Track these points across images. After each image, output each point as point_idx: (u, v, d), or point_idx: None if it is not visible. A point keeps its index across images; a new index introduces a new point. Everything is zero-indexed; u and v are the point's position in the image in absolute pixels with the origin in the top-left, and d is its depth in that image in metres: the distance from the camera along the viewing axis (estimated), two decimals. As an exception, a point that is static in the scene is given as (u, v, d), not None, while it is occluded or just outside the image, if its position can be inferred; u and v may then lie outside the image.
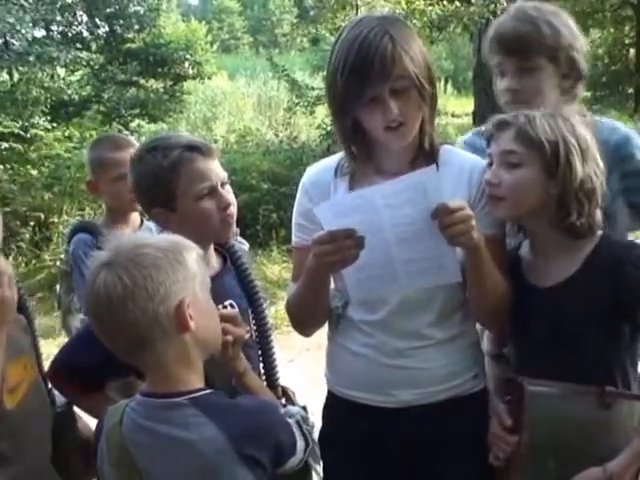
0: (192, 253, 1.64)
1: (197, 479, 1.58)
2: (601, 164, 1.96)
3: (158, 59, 16.53)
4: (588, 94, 23.81)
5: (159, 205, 2.02)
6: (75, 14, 15.79)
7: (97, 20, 15.99)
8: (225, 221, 2.03)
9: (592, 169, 1.92)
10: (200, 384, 1.62)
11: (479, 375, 2.10)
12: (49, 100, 12.01)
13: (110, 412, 1.66)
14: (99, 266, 1.56)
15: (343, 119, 1.96)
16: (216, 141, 11.68)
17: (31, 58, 12.72)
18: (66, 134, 9.79)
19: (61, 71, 14.68)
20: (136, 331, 1.54)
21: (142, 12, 16.06)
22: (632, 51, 24.67)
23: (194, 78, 17.53)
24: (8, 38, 13.22)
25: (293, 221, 2.14)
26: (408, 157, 2.01)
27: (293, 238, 2.14)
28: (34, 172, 8.95)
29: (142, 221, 3.01)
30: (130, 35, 16.24)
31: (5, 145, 9.58)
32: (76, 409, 2.17)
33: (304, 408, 1.97)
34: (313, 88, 12.31)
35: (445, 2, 12.60)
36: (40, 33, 14.94)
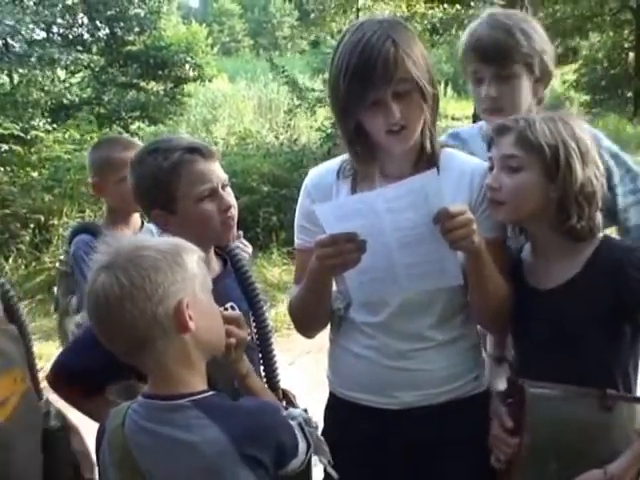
0: (192, 255, 1.64)
1: None
2: (601, 167, 1.97)
3: (158, 61, 16.54)
4: (587, 98, 23.89)
5: (159, 207, 2.02)
6: (76, 16, 15.79)
7: (98, 22, 16.00)
8: (226, 223, 2.03)
9: (592, 172, 1.92)
10: (203, 386, 1.62)
11: (480, 377, 2.11)
12: (49, 102, 12.02)
13: (112, 414, 1.66)
14: (99, 268, 1.57)
15: (346, 122, 1.97)
16: (216, 143, 11.69)
17: (32, 60, 12.73)
18: (66, 136, 9.78)
19: (61, 73, 14.69)
20: (135, 331, 1.54)
21: (143, 15, 16.06)
22: (631, 55, 24.74)
23: (194, 80, 17.54)
24: (8, 40, 13.23)
25: (295, 223, 2.14)
26: (410, 160, 2.01)
27: (295, 240, 2.15)
28: (34, 174, 8.95)
29: (143, 223, 3.01)
30: (131, 37, 16.25)
31: (5, 147, 9.57)
32: (73, 420, 2.15)
33: (305, 411, 1.97)
34: (314, 90, 12.32)
35: (446, 5, 12.64)
36: (40, 35, 14.95)
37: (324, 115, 11.45)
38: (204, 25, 24.22)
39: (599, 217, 1.96)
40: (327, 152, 9.51)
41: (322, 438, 1.83)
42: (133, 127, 14.80)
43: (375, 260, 1.78)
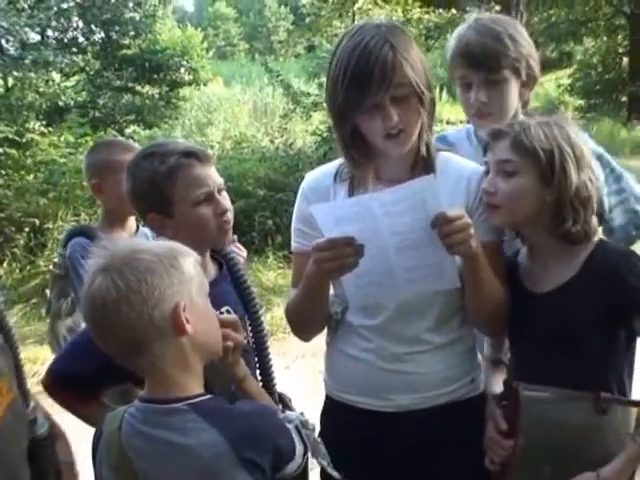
0: (189, 258, 1.64)
1: None
2: (596, 171, 1.98)
3: (154, 65, 16.55)
4: (582, 102, 23.94)
5: (155, 211, 2.02)
6: (70, 20, 15.79)
7: (93, 26, 16.00)
8: (222, 227, 2.03)
9: (587, 176, 1.93)
10: (199, 389, 1.62)
11: (476, 380, 2.12)
12: (44, 105, 12.00)
13: (109, 419, 1.66)
14: (96, 271, 1.57)
15: (343, 126, 1.97)
16: (212, 147, 11.66)
17: (26, 62, 12.71)
18: (62, 139, 9.76)
19: (57, 77, 14.68)
20: (132, 334, 1.54)
21: (138, 18, 16.07)
22: (625, 60, 24.80)
23: (190, 84, 17.56)
24: (2, 42, 13.21)
25: (292, 226, 2.14)
26: (407, 164, 2.02)
27: (292, 244, 2.15)
28: (29, 178, 8.93)
29: (138, 227, 3.01)
30: (126, 41, 16.25)
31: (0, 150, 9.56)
32: (63, 426, 2.13)
33: (301, 414, 1.97)
34: (309, 94, 12.31)
35: (441, 10, 12.66)
36: (35, 39, 14.94)
37: (319, 119, 11.46)
38: (199, 29, 24.26)
39: (594, 221, 1.97)
40: (323, 156, 9.50)
41: (319, 440, 1.83)
42: (128, 131, 14.78)
43: (373, 264, 1.79)
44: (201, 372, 1.65)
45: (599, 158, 2.41)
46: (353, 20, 11.06)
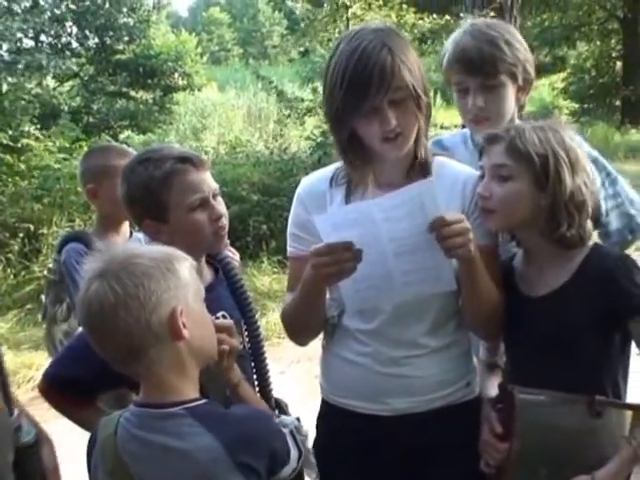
0: (184, 263, 1.64)
1: None
2: (591, 175, 1.99)
3: (148, 70, 16.53)
4: (576, 106, 24.00)
5: (151, 217, 2.02)
6: (64, 25, 15.78)
7: (87, 32, 15.98)
8: (217, 233, 2.03)
9: (582, 181, 1.94)
10: (195, 394, 1.63)
11: (471, 383, 2.12)
12: (38, 110, 11.97)
13: (104, 423, 1.66)
14: (92, 277, 1.57)
15: (340, 131, 1.97)
16: (206, 152, 11.65)
17: (19, 67, 12.69)
18: (56, 144, 9.74)
19: (51, 82, 14.66)
20: (129, 340, 1.55)
21: (132, 24, 16.05)
22: (619, 64, 24.86)
23: (184, 89, 17.55)
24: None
25: (288, 231, 2.14)
26: (403, 168, 2.02)
27: (288, 248, 2.15)
28: (23, 183, 8.91)
29: (131, 232, 3.01)
30: (120, 46, 16.23)
31: (-6, 156, 9.53)
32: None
33: (297, 420, 1.97)
34: (303, 100, 12.31)
35: (435, 15, 12.67)
36: (29, 45, 14.93)
37: (313, 124, 11.45)
38: (193, 34, 24.25)
39: (589, 225, 1.98)
40: (317, 161, 9.49)
41: (311, 450, 1.84)
42: (122, 136, 14.77)
43: (372, 269, 1.79)
44: (197, 377, 1.65)
45: (594, 162, 2.41)
46: (347, 25, 11.05)
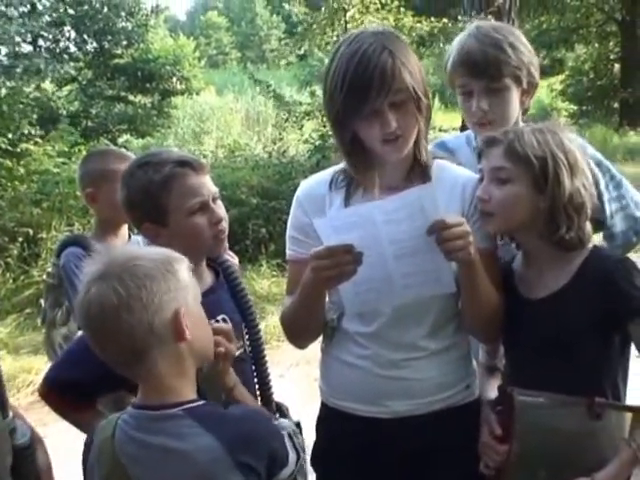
0: (183, 265, 1.65)
1: None
2: (590, 177, 1.99)
3: (146, 74, 16.55)
4: (574, 108, 24.03)
5: (150, 220, 2.02)
6: (63, 30, 15.79)
7: (85, 36, 15.99)
8: (217, 236, 2.04)
9: (581, 183, 1.94)
10: (193, 395, 1.63)
11: (471, 386, 2.12)
12: (36, 115, 11.96)
13: (101, 427, 1.67)
14: (93, 279, 1.57)
15: (342, 134, 1.98)
16: (205, 156, 11.67)
17: (17, 71, 12.69)
18: (55, 148, 9.73)
19: (49, 86, 14.66)
20: (132, 341, 1.55)
21: (130, 28, 16.07)
22: (617, 66, 24.90)
23: (182, 93, 17.56)
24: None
25: (287, 234, 2.14)
26: (403, 171, 2.03)
27: (287, 251, 2.14)
28: (22, 187, 8.91)
29: (130, 235, 3.01)
30: (118, 51, 16.24)
31: (-8, 160, 9.52)
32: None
33: (298, 424, 1.97)
34: (301, 103, 12.32)
35: (432, 18, 12.71)
36: (27, 49, 14.94)
37: (311, 127, 11.46)
38: (191, 38, 24.28)
39: (589, 227, 1.98)
40: (316, 164, 9.51)
41: (306, 459, 1.84)
42: (121, 140, 14.78)
43: (372, 271, 1.79)
44: (194, 378, 1.66)
45: (598, 164, 2.42)
46: (345, 29, 11.07)
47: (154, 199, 1.97)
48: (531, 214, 1.94)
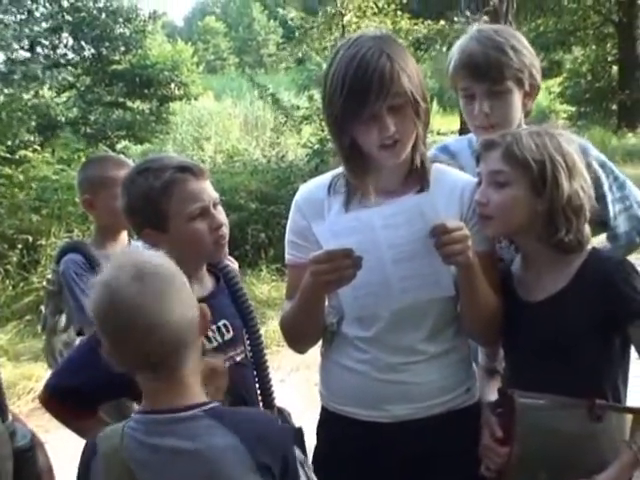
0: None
1: None
2: (588, 180, 1.99)
3: (144, 80, 16.51)
4: (572, 109, 24.03)
5: (151, 226, 2.02)
6: (60, 36, 15.78)
7: (83, 42, 15.98)
8: (217, 242, 2.03)
9: (579, 185, 1.94)
10: (204, 397, 1.63)
11: (471, 389, 2.12)
12: (34, 122, 11.97)
13: (105, 435, 1.65)
14: (130, 279, 1.54)
15: (341, 138, 1.98)
16: (204, 161, 11.66)
17: (15, 77, 12.68)
18: (54, 155, 9.74)
19: (47, 93, 14.65)
20: (173, 337, 1.55)
21: (128, 34, 16.05)
22: (615, 68, 24.90)
23: (180, 99, 17.52)
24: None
25: (286, 239, 2.14)
26: (400, 175, 2.03)
27: (287, 256, 2.14)
28: (21, 194, 8.91)
29: (129, 241, 3.01)
30: (116, 57, 16.21)
31: (-9, 168, 9.52)
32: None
33: (300, 429, 1.97)
34: (299, 108, 12.32)
35: (430, 22, 12.70)
36: (25, 56, 14.92)
37: (310, 131, 11.46)
38: (189, 43, 24.32)
39: (587, 229, 1.98)
40: (315, 168, 9.50)
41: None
42: (119, 146, 14.75)
43: (370, 275, 1.79)
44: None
45: (602, 165, 2.43)
46: (343, 33, 11.07)
47: (154, 205, 1.97)
48: (529, 217, 1.95)
